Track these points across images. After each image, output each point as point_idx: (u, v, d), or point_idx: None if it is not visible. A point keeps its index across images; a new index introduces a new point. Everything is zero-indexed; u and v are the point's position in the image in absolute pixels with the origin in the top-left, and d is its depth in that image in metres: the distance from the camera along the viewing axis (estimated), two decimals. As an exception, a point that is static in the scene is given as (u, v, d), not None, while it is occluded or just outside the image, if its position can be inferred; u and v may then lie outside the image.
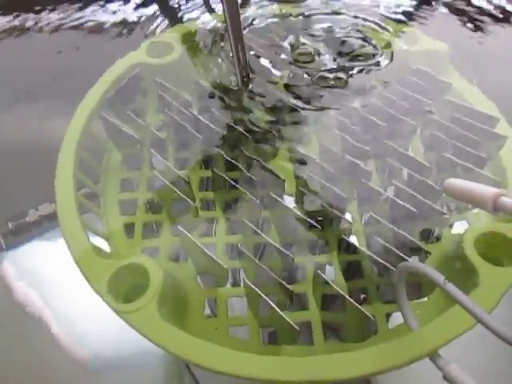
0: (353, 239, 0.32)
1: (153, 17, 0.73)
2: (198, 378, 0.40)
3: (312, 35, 0.44)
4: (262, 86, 0.40)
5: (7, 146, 0.57)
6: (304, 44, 0.42)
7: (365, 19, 0.46)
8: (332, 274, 0.31)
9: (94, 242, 0.30)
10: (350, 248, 0.31)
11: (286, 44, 0.43)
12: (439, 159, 0.34)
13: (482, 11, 0.71)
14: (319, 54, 0.42)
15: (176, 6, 0.75)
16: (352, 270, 0.31)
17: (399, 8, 0.71)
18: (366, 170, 0.33)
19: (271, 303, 0.26)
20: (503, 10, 0.71)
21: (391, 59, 0.42)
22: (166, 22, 0.72)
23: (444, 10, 0.72)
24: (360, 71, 0.41)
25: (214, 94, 0.40)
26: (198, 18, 0.71)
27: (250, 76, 0.41)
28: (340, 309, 0.28)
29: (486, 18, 0.70)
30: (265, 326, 0.29)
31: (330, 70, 0.40)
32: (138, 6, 0.75)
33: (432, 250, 0.30)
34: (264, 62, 0.42)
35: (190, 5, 0.74)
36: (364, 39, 0.43)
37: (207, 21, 0.47)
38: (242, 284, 0.29)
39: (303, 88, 0.40)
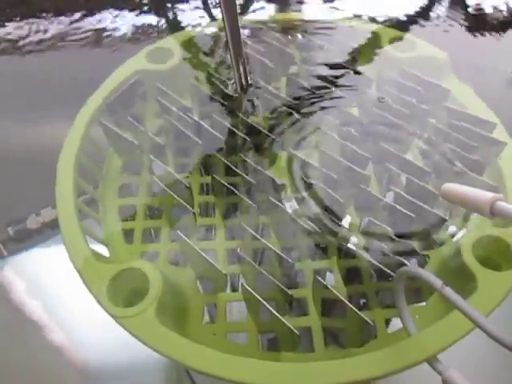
0: (352, 244, 0.32)
1: (153, 23, 0.73)
2: (198, 384, 0.40)
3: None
4: (262, 91, 0.41)
5: (7, 150, 0.57)
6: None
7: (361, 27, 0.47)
8: (331, 279, 0.31)
9: (93, 248, 0.30)
10: (350, 253, 0.31)
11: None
12: (438, 164, 0.34)
13: (481, 18, 0.72)
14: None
15: (176, 12, 0.75)
16: (351, 275, 0.31)
17: (398, 14, 0.71)
18: (365, 175, 0.33)
19: (271, 309, 0.26)
20: (503, 17, 0.71)
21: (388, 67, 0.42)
22: (166, 28, 0.73)
23: (443, 15, 0.73)
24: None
25: (214, 100, 0.40)
26: (197, 24, 0.72)
27: (250, 82, 0.41)
28: (340, 314, 0.28)
29: (486, 23, 0.70)
30: (264, 331, 0.29)
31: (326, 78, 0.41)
32: (138, 14, 0.76)
33: (431, 255, 0.31)
34: (263, 67, 0.43)
35: (190, 11, 0.75)
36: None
37: (207, 27, 0.48)
38: (240, 289, 0.29)
39: (302, 94, 0.40)
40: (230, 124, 0.37)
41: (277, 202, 0.32)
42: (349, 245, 0.31)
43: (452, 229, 0.33)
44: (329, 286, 0.27)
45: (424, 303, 0.29)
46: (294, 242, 0.32)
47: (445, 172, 0.34)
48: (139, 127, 0.37)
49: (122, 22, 0.74)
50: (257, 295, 0.26)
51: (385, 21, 0.70)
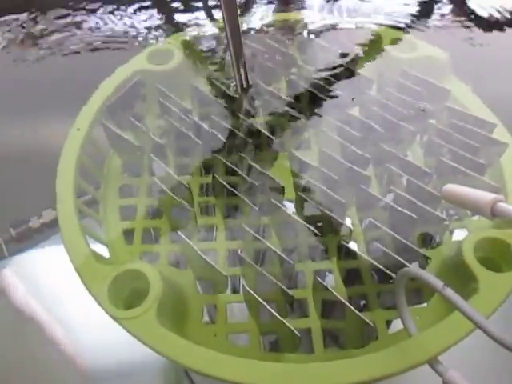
0: (353, 245, 0.32)
1: (154, 23, 0.73)
2: (198, 385, 0.40)
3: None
4: (262, 92, 0.41)
5: (8, 151, 0.58)
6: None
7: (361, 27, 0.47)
8: (332, 280, 0.31)
9: (94, 249, 0.30)
10: (350, 254, 0.31)
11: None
12: (439, 165, 0.34)
13: (481, 18, 0.72)
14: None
15: (176, 13, 0.76)
16: (352, 276, 0.31)
17: (398, 15, 0.71)
18: (366, 175, 0.33)
19: (271, 310, 0.26)
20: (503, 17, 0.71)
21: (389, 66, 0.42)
22: (167, 29, 0.73)
23: (445, 16, 0.73)
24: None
25: (214, 101, 0.40)
26: (198, 25, 0.71)
27: (250, 82, 0.41)
28: (340, 315, 0.28)
29: (486, 24, 0.70)
30: (265, 332, 0.29)
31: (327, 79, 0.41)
32: (139, 13, 0.76)
33: (432, 256, 0.30)
34: (264, 67, 0.43)
35: (190, 12, 0.75)
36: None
37: (207, 28, 0.48)
38: (241, 291, 0.29)
39: (302, 94, 0.40)
40: (230, 125, 0.37)
41: (277, 203, 0.32)
42: (349, 246, 0.31)
43: (453, 230, 0.33)
44: (329, 288, 0.27)
45: (425, 304, 0.29)
46: (294, 242, 0.32)
47: (446, 173, 0.33)
48: (140, 128, 0.37)
49: (123, 21, 0.74)
50: (258, 297, 0.26)
51: (385, 21, 0.70)
